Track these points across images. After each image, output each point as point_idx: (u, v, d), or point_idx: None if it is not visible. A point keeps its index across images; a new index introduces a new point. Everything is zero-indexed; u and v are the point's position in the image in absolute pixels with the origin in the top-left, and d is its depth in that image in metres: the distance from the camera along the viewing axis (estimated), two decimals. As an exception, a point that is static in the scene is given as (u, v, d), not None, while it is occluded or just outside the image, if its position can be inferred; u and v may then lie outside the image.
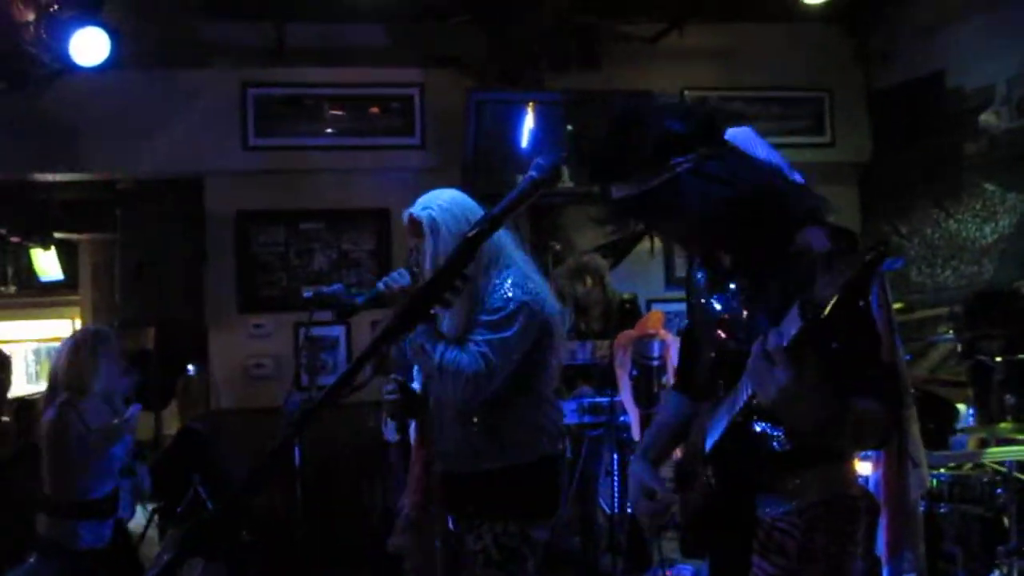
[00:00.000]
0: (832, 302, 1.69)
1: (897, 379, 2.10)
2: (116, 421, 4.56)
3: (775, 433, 2.14)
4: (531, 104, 7.24)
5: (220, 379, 7.03)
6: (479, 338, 3.14)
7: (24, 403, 6.94)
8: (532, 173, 1.92)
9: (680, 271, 7.95)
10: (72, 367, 4.53)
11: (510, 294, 3.17)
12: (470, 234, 1.82)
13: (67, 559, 4.39)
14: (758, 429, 2.14)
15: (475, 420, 3.27)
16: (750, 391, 1.94)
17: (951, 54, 7.17)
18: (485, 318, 3.16)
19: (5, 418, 6.47)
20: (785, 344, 1.79)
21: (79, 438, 4.41)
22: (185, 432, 4.95)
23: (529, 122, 7.20)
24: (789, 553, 2.15)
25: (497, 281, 3.21)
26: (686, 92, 7.71)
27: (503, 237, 3.28)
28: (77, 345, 4.58)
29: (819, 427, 1.95)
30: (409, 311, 1.66)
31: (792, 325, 1.78)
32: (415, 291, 1.68)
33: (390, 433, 5.69)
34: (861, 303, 2.00)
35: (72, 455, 4.42)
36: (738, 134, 2.26)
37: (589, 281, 6.32)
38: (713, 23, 7.63)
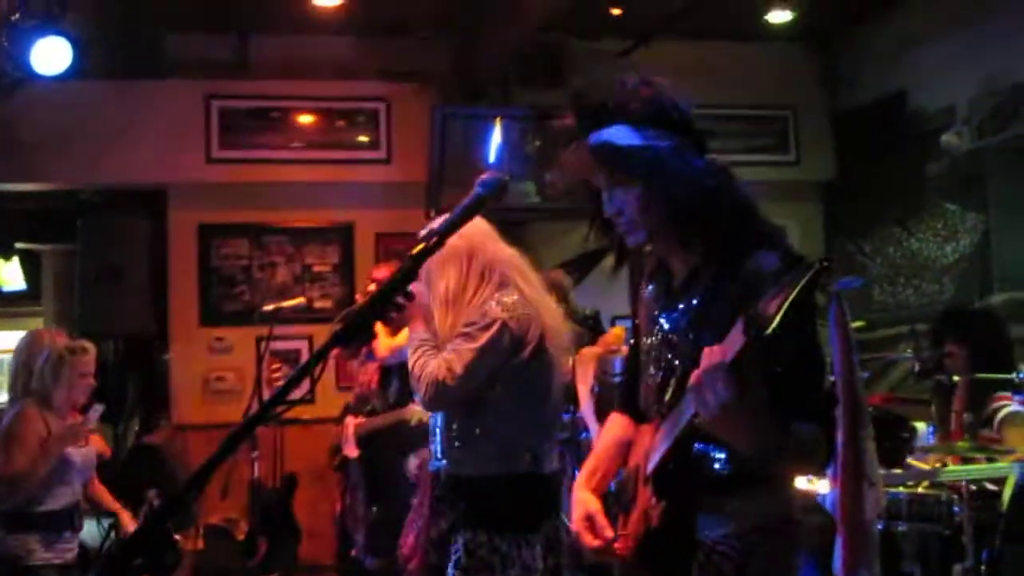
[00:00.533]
0: (776, 321, 1.68)
1: (836, 405, 2.08)
2: (73, 421, 4.44)
3: (716, 454, 2.11)
4: (497, 119, 7.24)
5: (180, 393, 6.97)
6: (450, 347, 3.23)
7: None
8: (478, 190, 1.93)
9: (645, 288, 7.97)
10: (42, 377, 4.41)
11: (490, 309, 3.23)
12: (413, 251, 1.83)
13: (21, 573, 4.28)
14: (699, 449, 2.12)
15: (454, 427, 3.34)
16: (692, 410, 1.93)
17: (914, 75, 7.24)
18: (462, 330, 3.23)
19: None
20: (728, 361, 1.78)
21: (40, 439, 4.29)
22: (140, 447, 4.88)
23: (496, 137, 7.20)
24: None
25: (484, 297, 3.27)
26: (652, 109, 7.74)
27: (500, 254, 3.37)
28: (50, 356, 4.45)
29: (760, 448, 1.94)
30: (348, 328, 1.65)
31: (735, 342, 1.77)
32: (355, 308, 1.66)
33: (350, 448, 5.66)
34: (808, 328, 2.00)
35: (28, 457, 4.26)
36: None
37: (553, 297, 6.30)
38: (680, 40, 7.66)
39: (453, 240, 3.14)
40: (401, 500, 5.85)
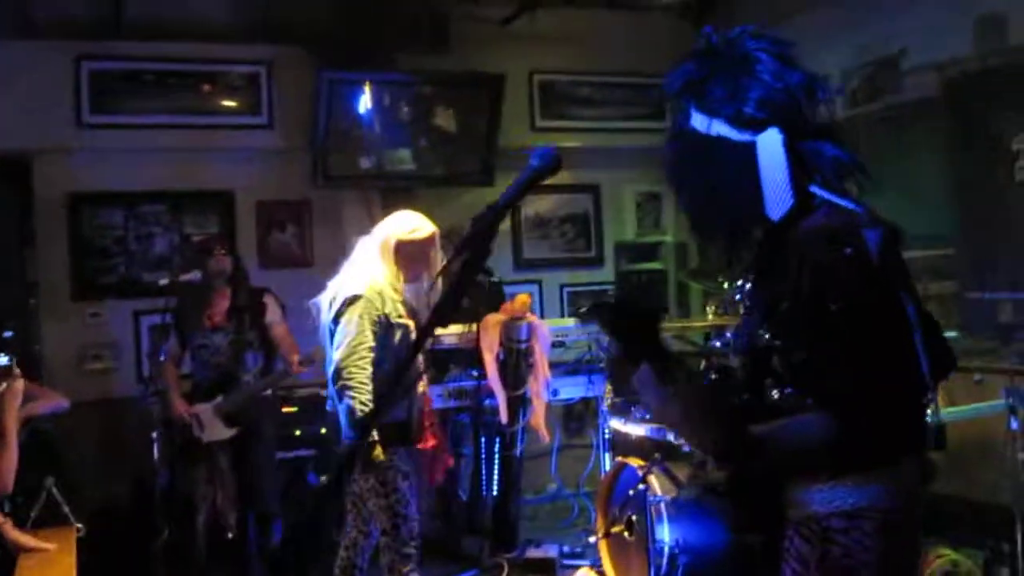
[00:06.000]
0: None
1: (873, 393, 1.96)
2: None
3: None
4: (382, 85, 7.12)
5: (54, 370, 6.62)
6: None
7: None
8: (532, 162, 1.91)
9: (528, 253, 8.00)
10: None
11: None
12: (477, 227, 1.80)
13: None
14: None
15: None
16: None
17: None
18: None
19: None
20: None
21: None
22: (33, 433, 4.61)
23: (365, 102, 7.07)
24: (806, 562, 2.06)
25: None
26: (535, 75, 7.77)
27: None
28: None
29: (699, 447, 2.00)
30: (441, 313, 1.63)
31: None
32: (451, 284, 1.65)
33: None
34: (834, 307, 1.91)
35: None
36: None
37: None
38: (563, 8, 7.69)
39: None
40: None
